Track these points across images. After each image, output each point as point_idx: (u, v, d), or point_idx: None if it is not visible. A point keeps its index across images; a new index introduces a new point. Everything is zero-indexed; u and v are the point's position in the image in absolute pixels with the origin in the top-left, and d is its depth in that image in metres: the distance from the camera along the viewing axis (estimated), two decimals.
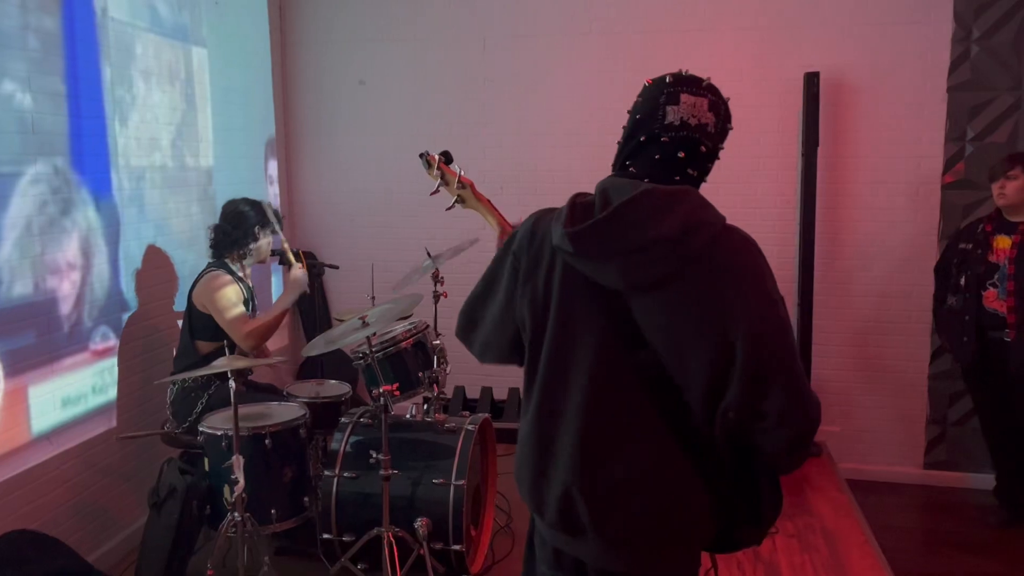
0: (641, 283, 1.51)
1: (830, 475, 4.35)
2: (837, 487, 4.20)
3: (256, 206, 3.63)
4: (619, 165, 1.67)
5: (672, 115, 1.58)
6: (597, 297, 1.58)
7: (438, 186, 2.49)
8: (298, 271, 3.61)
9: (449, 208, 2.73)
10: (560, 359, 1.64)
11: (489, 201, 2.46)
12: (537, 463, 1.67)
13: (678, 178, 1.59)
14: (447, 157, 2.68)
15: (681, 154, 1.58)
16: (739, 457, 1.59)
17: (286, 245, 3.68)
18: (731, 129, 1.65)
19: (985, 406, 4.20)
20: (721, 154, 1.67)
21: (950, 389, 4.63)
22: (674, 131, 1.57)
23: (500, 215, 2.37)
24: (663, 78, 1.63)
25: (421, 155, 2.78)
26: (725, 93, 1.66)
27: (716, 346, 1.47)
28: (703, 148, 1.59)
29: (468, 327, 1.86)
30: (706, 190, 1.63)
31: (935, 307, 4.32)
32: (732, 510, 1.63)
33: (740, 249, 1.52)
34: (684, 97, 1.58)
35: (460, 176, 2.43)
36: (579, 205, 1.61)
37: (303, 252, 4.50)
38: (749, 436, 1.54)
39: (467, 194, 2.46)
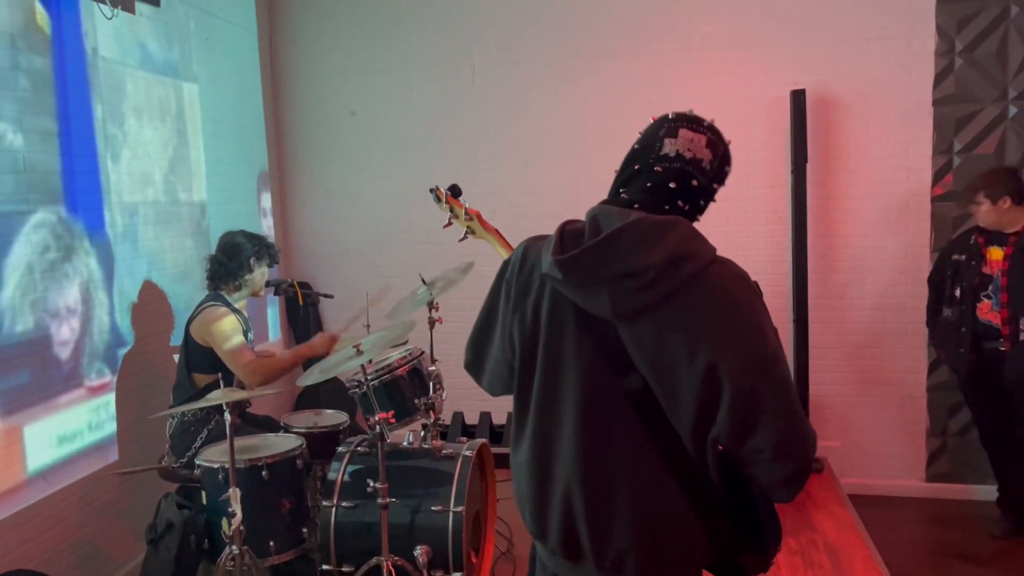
0: (628, 311, 1.51)
1: (832, 490, 4.33)
2: (839, 502, 4.18)
3: (252, 238, 3.65)
4: (613, 192, 1.69)
5: (668, 147, 1.60)
6: (586, 323, 1.59)
7: (449, 219, 2.52)
8: (327, 340, 3.68)
9: (461, 239, 2.76)
10: (551, 385, 1.65)
11: (497, 231, 2.49)
12: (537, 489, 1.68)
13: (667, 207, 1.59)
14: (455, 191, 2.72)
15: (672, 184, 1.59)
16: (734, 484, 1.58)
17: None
18: (729, 171, 1.66)
19: (984, 416, 4.20)
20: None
21: (949, 401, 4.62)
22: (668, 162, 1.60)
23: (508, 244, 2.39)
24: (667, 115, 1.66)
25: (431, 190, 2.82)
26: (712, 112, 1.69)
27: (702, 376, 1.47)
28: (695, 182, 1.60)
29: (475, 362, 1.87)
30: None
31: (929, 319, 4.33)
32: (730, 537, 1.63)
33: (729, 281, 1.52)
34: (683, 132, 1.61)
35: (467, 208, 2.46)
36: (568, 232, 1.62)
37: (298, 282, 4.51)
38: (742, 467, 1.54)
39: (475, 225, 2.51)
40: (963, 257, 4.04)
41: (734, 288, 1.51)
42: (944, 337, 4.16)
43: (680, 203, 1.60)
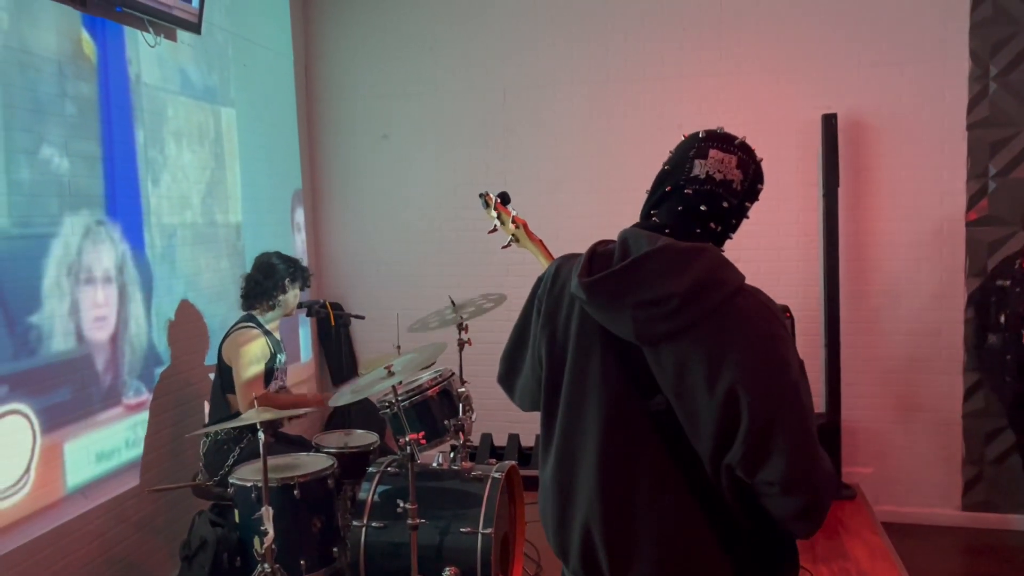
0: (652, 337, 1.51)
1: (865, 517, 4.27)
2: (873, 530, 4.12)
3: (286, 260, 3.72)
4: (644, 214, 1.69)
5: (699, 168, 1.60)
6: (612, 344, 1.59)
7: (495, 225, 2.55)
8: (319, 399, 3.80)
9: (505, 247, 2.79)
10: (577, 404, 1.65)
11: (541, 241, 2.51)
12: (559, 508, 1.68)
13: (699, 231, 1.60)
14: (504, 198, 2.75)
15: (703, 207, 1.59)
16: (753, 516, 1.56)
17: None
18: (761, 188, 1.66)
19: None
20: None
21: (986, 428, 4.54)
22: (699, 184, 1.59)
23: (551, 256, 2.42)
24: (697, 133, 1.66)
25: (480, 195, 2.85)
26: (746, 135, 1.67)
27: (721, 401, 1.46)
28: (725, 204, 1.59)
29: (508, 376, 1.89)
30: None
31: (974, 344, 4.24)
32: (752, 569, 1.60)
33: (754, 311, 1.50)
34: (713, 152, 1.60)
35: (514, 217, 2.49)
36: (598, 254, 1.63)
37: (330, 303, 4.57)
38: (758, 498, 1.52)
39: (520, 234, 2.53)
40: (1008, 283, 3.99)
41: (759, 318, 1.49)
42: (990, 364, 4.08)
43: (712, 225, 1.60)
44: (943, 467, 4.63)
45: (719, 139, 1.62)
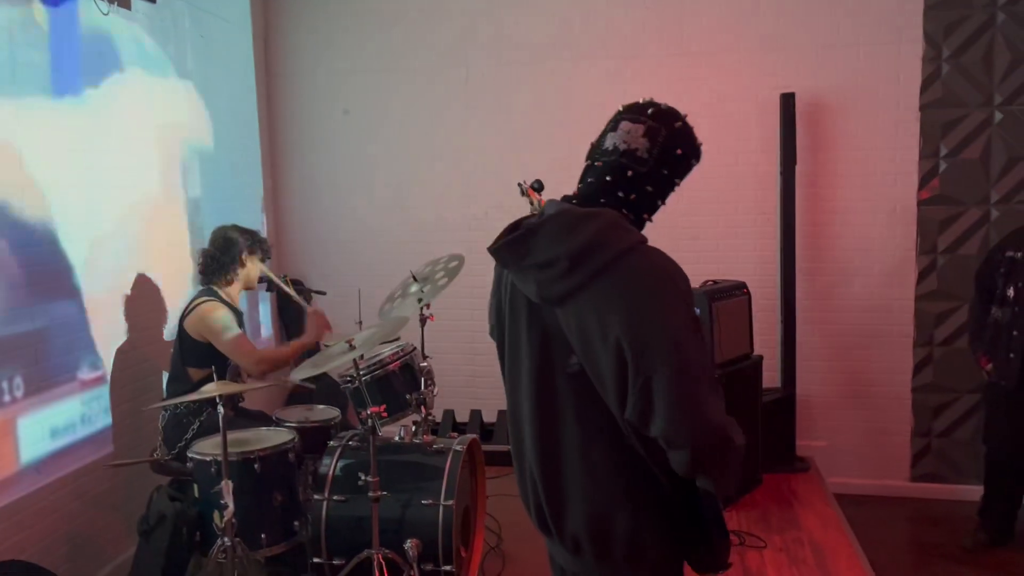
0: (552, 297, 1.58)
1: (818, 489, 4.38)
2: (825, 501, 4.23)
3: (244, 232, 3.68)
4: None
5: (608, 141, 1.67)
6: (535, 310, 1.67)
7: (531, 212, 2.55)
8: (321, 319, 3.75)
9: None
10: (515, 369, 1.75)
11: None
12: (518, 470, 1.80)
13: (603, 200, 1.65)
14: (536, 185, 2.74)
15: (608, 178, 1.65)
16: (669, 471, 1.57)
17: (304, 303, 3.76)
18: (683, 153, 1.67)
19: (1003, 425, 3.97)
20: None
21: (934, 402, 4.69)
22: (607, 156, 1.66)
23: None
24: (620, 107, 1.72)
25: (519, 184, 2.86)
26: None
27: (613, 360, 1.51)
28: (629, 172, 1.64)
29: (492, 331, 1.98)
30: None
31: (974, 318, 4.10)
32: (679, 530, 1.65)
33: (641, 269, 1.53)
34: (623, 124, 1.66)
35: (541, 201, 2.49)
36: (512, 225, 1.71)
37: (291, 279, 4.53)
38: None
39: None
40: (1019, 254, 3.76)
41: (645, 275, 1.53)
42: (992, 339, 3.87)
43: (621, 194, 1.65)
44: (893, 440, 4.77)
45: (632, 110, 1.68)
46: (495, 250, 1.68)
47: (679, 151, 1.66)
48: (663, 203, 1.70)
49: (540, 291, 1.59)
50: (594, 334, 1.53)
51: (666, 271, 1.55)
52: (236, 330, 3.47)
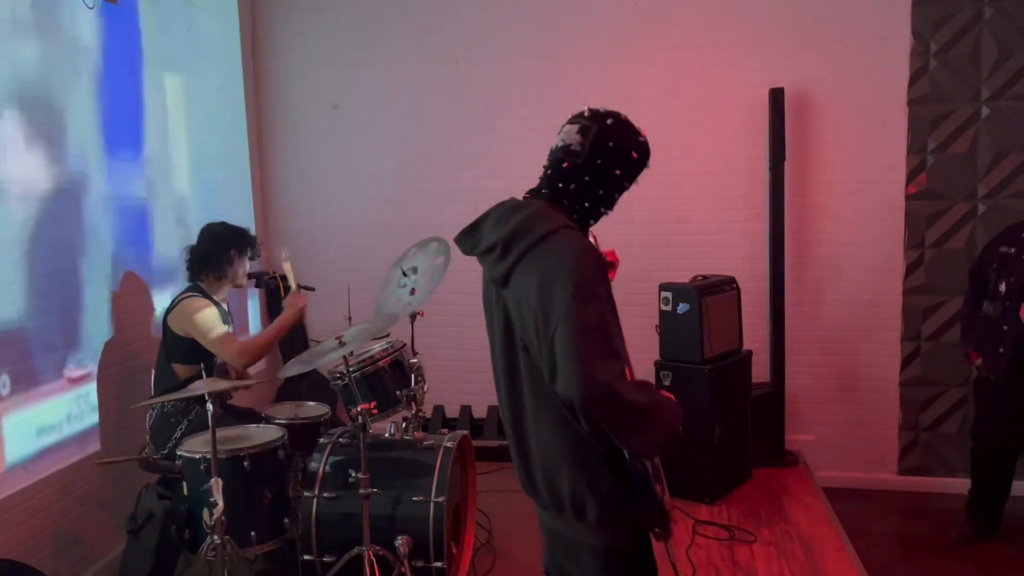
0: (497, 278, 1.85)
1: (806, 483, 4.40)
2: (813, 495, 4.25)
3: (233, 230, 3.65)
4: None
5: (555, 142, 1.93)
6: (497, 293, 1.90)
7: None
8: (298, 296, 3.67)
9: None
10: (493, 349, 1.98)
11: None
12: (508, 438, 2.00)
13: (545, 191, 1.91)
14: None
15: (549, 171, 1.92)
16: (598, 435, 1.76)
17: (288, 266, 3.73)
18: (615, 145, 1.87)
19: (991, 419, 4.00)
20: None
21: (921, 395, 4.71)
22: (551, 155, 1.94)
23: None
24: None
25: None
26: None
27: (534, 325, 1.74)
28: (565, 164, 1.89)
29: None
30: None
31: (966, 312, 4.12)
32: (604, 487, 1.81)
33: (554, 249, 1.75)
34: (565, 127, 1.93)
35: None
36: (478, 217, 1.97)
37: (279, 275, 4.51)
38: None
39: None
40: (1012, 250, 3.79)
41: (556, 254, 1.74)
42: (983, 333, 3.90)
43: (560, 185, 1.89)
44: (880, 434, 4.80)
45: (576, 116, 1.94)
46: (456, 239, 1.97)
47: (611, 143, 1.88)
48: (607, 194, 1.91)
49: (489, 273, 1.88)
50: (525, 308, 1.77)
51: (572, 247, 1.74)
52: (221, 328, 3.45)
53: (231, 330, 3.58)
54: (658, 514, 1.86)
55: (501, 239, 1.81)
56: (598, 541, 1.88)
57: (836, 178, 4.70)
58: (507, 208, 1.88)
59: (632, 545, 1.90)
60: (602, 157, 1.87)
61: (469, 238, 1.93)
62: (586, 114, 1.92)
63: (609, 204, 1.94)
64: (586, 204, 1.90)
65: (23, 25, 3.22)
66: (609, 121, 1.89)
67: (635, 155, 1.90)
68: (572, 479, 1.82)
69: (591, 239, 2.23)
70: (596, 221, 1.96)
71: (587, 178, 1.88)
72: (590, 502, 1.81)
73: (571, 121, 1.92)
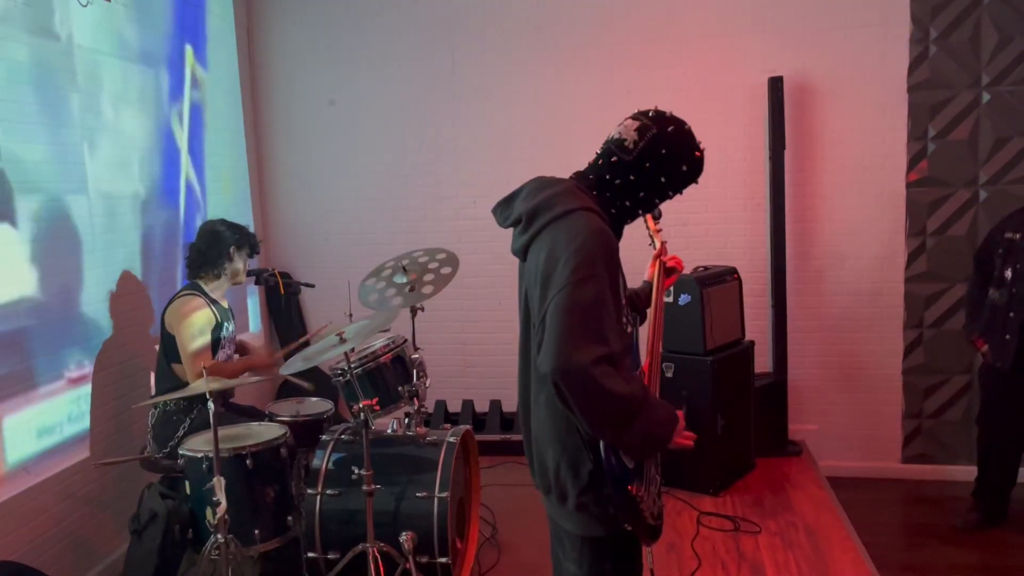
0: (518, 250, 1.90)
1: (810, 473, 4.40)
2: (817, 484, 4.24)
3: (232, 228, 3.63)
4: None
5: (613, 131, 1.93)
6: (521, 269, 1.94)
7: (649, 236, 2.48)
8: (279, 358, 3.67)
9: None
10: (520, 323, 1.97)
11: (656, 269, 2.42)
12: (520, 419, 2.02)
13: (592, 176, 1.91)
14: (656, 213, 2.69)
15: (600, 161, 1.92)
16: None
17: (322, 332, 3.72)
18: (668, 154, 1.86)
19: (997, 407, 3.99)
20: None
21: (924, 383, 4.70)
22: (606, 144, 1.93)
23: (659, 288, 2.38)
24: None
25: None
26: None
27: (537, 301, 1.76)
28: (614, 159, 1.88)
29: None
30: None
31: (971, 299, 4.10)
32: (580, 466, 1.82)
33: (566, 230, 1.76)
34: (627, 121, 1.92)
35: (651, 233, 2.44)
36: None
37: (279, 272, 4.49)
38: None
39: (653, 252, 2.46)
40: (1017, 236, 3.76)
41: (570, 230, 1.75)
42: (989, 320, 3.88)
43: (607, 177, 1.88)
44: (884, 422, 4.78)
45: (639, 112, 1.92)
46: (492, 210, 2.00)
47: (664, 150, 1.86)
48: (648, 197, 1.90)
49: (513, 247, 1.92)
50: (533, 281, 1.79)
51: (585, 228, 1.75)
52: (204, 341, 3.40)
53: (225, 333, 3.54)
54: (627, 514, 1.82)
55: (525, 212, 1.85)
56: (574, 528, 1.90)
57: (836, 166, 4.68)
58: (538, 184, 1.91)
59: (609, 536, 1.88)
60: (652, 161, 1.86)
61: (503, 210, 1.97)
62: (651, 114, 1.90)
63: (648, 208, 1.94)
64: (627, 203, 1.90)
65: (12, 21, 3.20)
66: (670, 128, 1.88)
67: (685, 168, 1.89)
68: (556, 459, 1.84)
69: (659, 244, 2.32)
70: (632, 221, 1.96)
71: (632, 177, 1.87)
72: (570, 486, 1.83)
73: (634, 116, 1.91)
